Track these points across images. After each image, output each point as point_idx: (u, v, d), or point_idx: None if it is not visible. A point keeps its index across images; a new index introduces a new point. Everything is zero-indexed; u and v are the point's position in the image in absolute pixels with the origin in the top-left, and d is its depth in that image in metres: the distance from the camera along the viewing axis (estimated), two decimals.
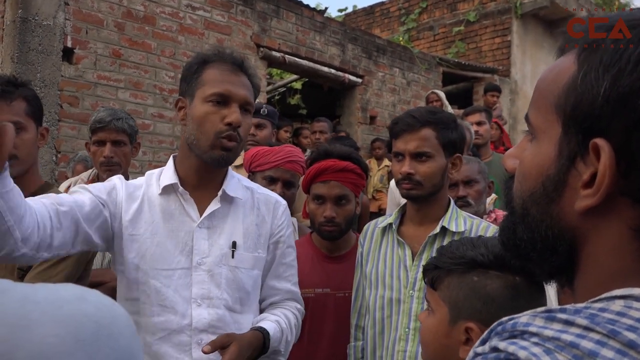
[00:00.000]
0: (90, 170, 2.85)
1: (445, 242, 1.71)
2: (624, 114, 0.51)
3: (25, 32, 3.87)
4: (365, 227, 1.95)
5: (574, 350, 0.47)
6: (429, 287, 1.12)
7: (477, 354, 0.54)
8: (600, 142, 0.52)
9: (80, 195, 1.41)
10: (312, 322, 2.04)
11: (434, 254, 1.69)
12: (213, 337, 1.39)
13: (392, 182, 3.83)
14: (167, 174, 1.54)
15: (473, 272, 1.04)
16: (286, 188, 2.27)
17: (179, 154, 1.57)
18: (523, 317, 0.53)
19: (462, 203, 2.28)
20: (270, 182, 2.26)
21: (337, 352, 1.98)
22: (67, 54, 4.11)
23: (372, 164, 5.88)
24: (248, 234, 1.56)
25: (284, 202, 1.70)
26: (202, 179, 1.53)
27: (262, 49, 5.39)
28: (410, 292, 1.70)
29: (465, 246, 1.08)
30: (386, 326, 1.74)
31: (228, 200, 1.55)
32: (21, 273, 1.61)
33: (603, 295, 0.52)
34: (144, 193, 1.51)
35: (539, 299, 1.04)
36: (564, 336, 0.48)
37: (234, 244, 1.52)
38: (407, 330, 1.68)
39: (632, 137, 0.51)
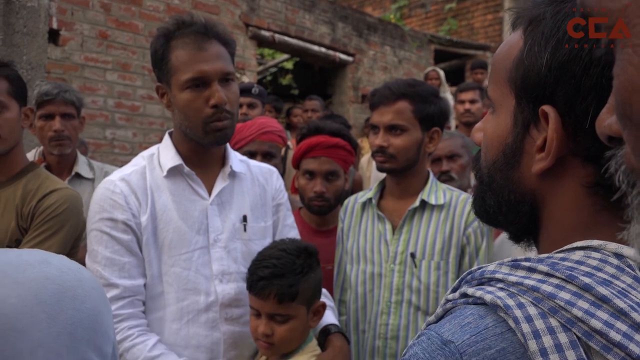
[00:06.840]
0: (33, 151, 2.59)
1: (425, 216, 1.73)
2: (565, 81, 0.55)
3: (10, 14, 3.82)
4: (345, 202, 1.95)
5: (534, 294, 0.52)
6: None
7: (447, 300, 0.59)
8: (547, 108, 0.56)
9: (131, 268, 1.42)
10: None
11: (414, 228, 1.72)
12: (238, 310, 1.49)
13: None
14: (167, 155, 1.51)
15: None
16: (266, 160, 2.23)
17: (175, 136, 1.54)
18: (490, 266, 0.58)
19: (446, 177, 2.30)
20: (249, 157, 2.26)
21: None
22: (53, 36, 4.06)
23: (364, 142, 5.86)
24: (254, 206, 1.60)
25: (275, 169, 1.75)
26: (203, 158, 1.53)
27: (251, 28, 5.34)
28: (391, 266, 1.72)
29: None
30: (368, 300, 1.76)
31: (232, 175, 1.56)
32: None
33: (565, 247, 0.57)
34: (149, 180, 1.47)
35: None
36: (527, 281, 0.53)
37: (245, 218, 1.55)
38: (389, 303, 1.71)
39: (574, 102, 0.54)
